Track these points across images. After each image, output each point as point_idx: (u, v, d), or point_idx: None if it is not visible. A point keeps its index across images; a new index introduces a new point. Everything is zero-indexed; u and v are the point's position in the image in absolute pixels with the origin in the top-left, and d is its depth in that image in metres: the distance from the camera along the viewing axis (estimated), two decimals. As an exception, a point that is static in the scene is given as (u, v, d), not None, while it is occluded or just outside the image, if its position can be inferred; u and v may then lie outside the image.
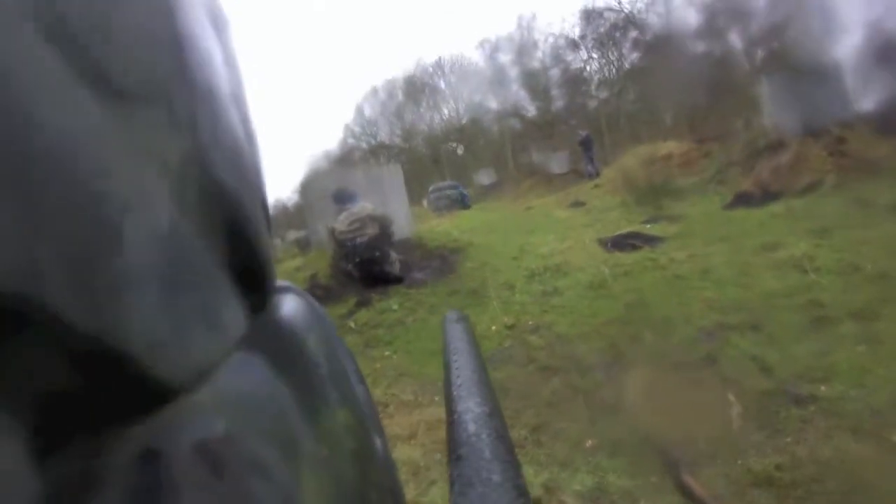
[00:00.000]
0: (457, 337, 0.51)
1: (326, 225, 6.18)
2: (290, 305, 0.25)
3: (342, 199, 6.03)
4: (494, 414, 0.36)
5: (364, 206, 5.84)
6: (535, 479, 2.35)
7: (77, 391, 0.12)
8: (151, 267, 0.14)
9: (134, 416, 0.14)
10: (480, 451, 0.31)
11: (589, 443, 2.62)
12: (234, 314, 0.19)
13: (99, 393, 0.13)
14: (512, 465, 0.30)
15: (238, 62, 0.22)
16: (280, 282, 0.25)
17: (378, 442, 0.27)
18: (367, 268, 5.65)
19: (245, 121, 0.21)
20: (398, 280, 5.74)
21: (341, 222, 5.75)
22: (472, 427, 0.34)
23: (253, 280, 0.21)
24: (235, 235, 0.19)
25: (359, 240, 5.61)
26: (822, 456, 2.20)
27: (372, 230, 5.64)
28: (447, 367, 0.45)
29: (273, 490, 0.17)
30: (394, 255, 5.90)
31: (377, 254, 5.63)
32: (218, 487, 0.15)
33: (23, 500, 0.11)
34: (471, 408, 0.36)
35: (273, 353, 0.21)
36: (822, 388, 2.63)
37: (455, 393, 0.39)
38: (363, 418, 0.26)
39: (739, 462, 2.30)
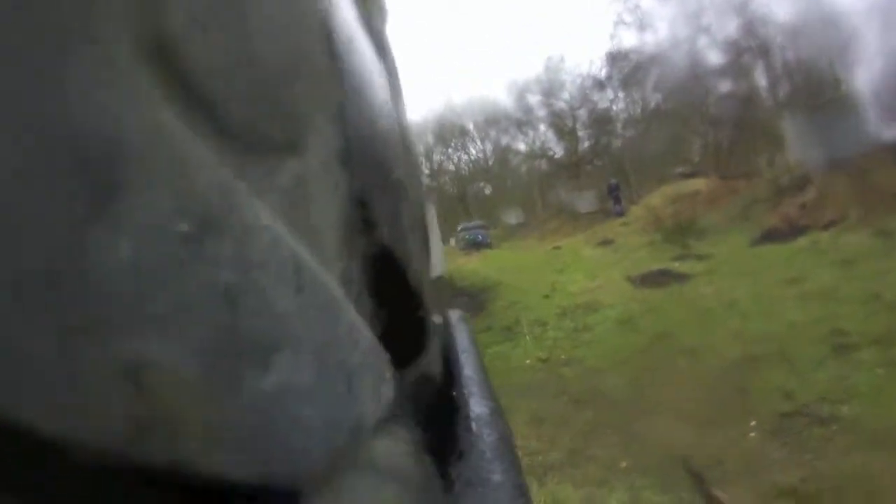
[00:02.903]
0: (457, 337, 0.49)
1: None
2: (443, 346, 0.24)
3: None
4: (495, 414, 0.35)
5: None
6: (574, 493, 2.55)
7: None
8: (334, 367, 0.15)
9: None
10: (480, 452, 0.30)
11: (623, 464, 2.80)
12: (388, 382, 0.19)
13: None
14: (512, 465, 0.29)
15: (399, 79, 0.21)
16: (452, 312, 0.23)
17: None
18: None
19: (406, 136, 0.20)
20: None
21: None
22: (472, 427, 0.33)
23: (410, 334, 0.20)
24: (401, 290, 0.18)
25: None
26: (843, 469, 2.35)
27: None
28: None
29: None
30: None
31: None
32: None
33: None
34: (471, 408, 0.37)
35: (420, 408, 0.22)
36: (844, 408, 2.79)
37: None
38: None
39: (765, 477, 2.46)
